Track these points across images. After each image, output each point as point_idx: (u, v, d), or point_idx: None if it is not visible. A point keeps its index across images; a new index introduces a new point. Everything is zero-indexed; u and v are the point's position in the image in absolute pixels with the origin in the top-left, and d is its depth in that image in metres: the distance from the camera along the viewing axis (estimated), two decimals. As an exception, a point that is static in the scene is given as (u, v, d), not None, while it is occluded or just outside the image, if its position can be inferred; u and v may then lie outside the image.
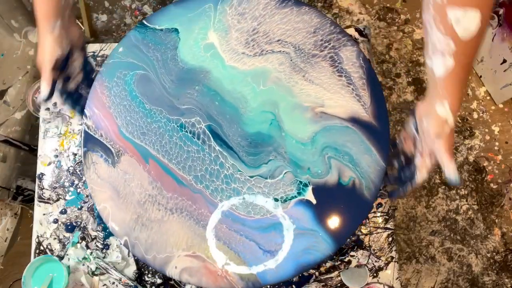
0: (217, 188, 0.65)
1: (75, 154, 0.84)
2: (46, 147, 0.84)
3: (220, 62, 0.70)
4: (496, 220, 1.44)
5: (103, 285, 0.77)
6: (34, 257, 0.79)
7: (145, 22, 0.74)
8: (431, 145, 0.58)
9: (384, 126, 0.66)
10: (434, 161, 0.60)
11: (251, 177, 0.65)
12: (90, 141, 0.69)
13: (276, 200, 0.64)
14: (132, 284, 0.76)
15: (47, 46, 0.64)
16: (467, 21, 0.48)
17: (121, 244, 0.74)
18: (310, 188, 0.64)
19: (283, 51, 0.70)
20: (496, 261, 1.42)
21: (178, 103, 0.69)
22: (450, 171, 0.56)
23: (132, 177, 0.67)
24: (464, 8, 0.48)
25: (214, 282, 0.62)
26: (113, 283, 0.77)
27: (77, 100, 0.73)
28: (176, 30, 0.72)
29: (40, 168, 0.83)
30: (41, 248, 0.80)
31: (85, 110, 0.71)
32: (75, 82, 0.72)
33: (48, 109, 0.86)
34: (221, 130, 0.67)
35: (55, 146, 0.84)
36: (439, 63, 0.52)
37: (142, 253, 0.64)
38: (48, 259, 0.76)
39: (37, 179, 0.83)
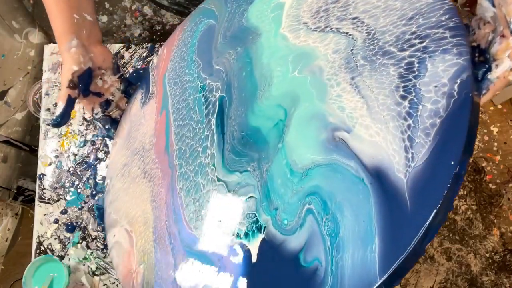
0: (185, 174, 0.55)
1: (75, 155, 0.84)
2: (47, 147, 0.85)
3: (275, 27, 0.57)
4: (495, 220, 1.44)
5: (104, 285, 0.77)
6: (35, 257, 0.80)
7: None
8: None
9: (422, 214, 0.35)
10: None
11: (218, 180, 0.52)
12: (145, 78, 0.67)
13: (221, 226, 0.49)
14: (132, 283, 0.76)
15: (64, 64, 0.62)
16: None
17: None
18: (260, 237, 0.45)
19: (350, 35, 0.49)
20: (495, 261, 1.42)
21: (215, 61, 0.61)
22: None
23: (144, 124, 0.62)
24: None
25: (124, 277, 0.53)
26: (114, 283, 0.77)
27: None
28: None
29: (40, 169, 0.84)
30: (42, 248, 0.80)
31: (160, 48, 0.68)
32: (118, 111, 0.69)
33: (48, 109, 0.86)
34: (228, 108, 0.56)
35: (56, 147, 0.85)
36: None
37: (107, 203, 0.59)
38: (48, 259, 0.77)
39: (37, 180, 0.83)
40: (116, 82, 0.67)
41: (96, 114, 0.66)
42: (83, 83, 0.63)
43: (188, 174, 0.54)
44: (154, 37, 1.26)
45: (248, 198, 0.48)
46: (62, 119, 0.61)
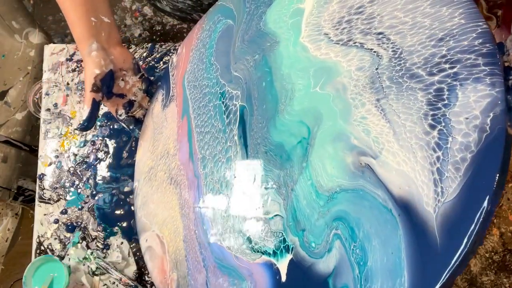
0: (210, 184, 0.54)
1: (75, 155, 0.84)
2: (47, 147, 0.85)
3: (294, 35, 0.54)
4: (495, 220, 1.44)
5: (104, 285, 0.77)
6: (35, 257, 0.80)
7: None
8: None
9: (451, 251, 0.34)
10: None
11: (244, 194, 0.52)
12: (164, 78, 0.67)
13: (249, 241, 0.49)
14: (132, 284, 0.76)
15: (86, 68, 0.63)
16: None
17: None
18: (288, 257, 0.44)
19: (375, 52, 0.45)
20: (495, 261, 1.43)
21: (233, 67, 0.59)
22: None
23: (167, 127, 0.63)
24: None
25: (159, 283, 0.55)
26: (114, 283, 0.77)
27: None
28: None
29: (40, 169, 0.84)
30: (42, 248, 0.80)
31: (179, 47, 0.69)
32: (141, 111, 0.70)
33: (48, 109, 0.86)
34: (249, 119, 0.54)
35: (56, 147, 0.85)
36: None
37: (137, 206, 0.59)
38: (48, 259, 0.77)
39: (37, 180, 0.83)
40: (138, 82, 0.68)
41: (120, 115, 0.66)
42: (106, 86, 0.63)
43: (214, 185, 0.53)
44: (154, 37, 1.26)
45: (275, 216, 0.47)
46: (89, 123, 0.63)
